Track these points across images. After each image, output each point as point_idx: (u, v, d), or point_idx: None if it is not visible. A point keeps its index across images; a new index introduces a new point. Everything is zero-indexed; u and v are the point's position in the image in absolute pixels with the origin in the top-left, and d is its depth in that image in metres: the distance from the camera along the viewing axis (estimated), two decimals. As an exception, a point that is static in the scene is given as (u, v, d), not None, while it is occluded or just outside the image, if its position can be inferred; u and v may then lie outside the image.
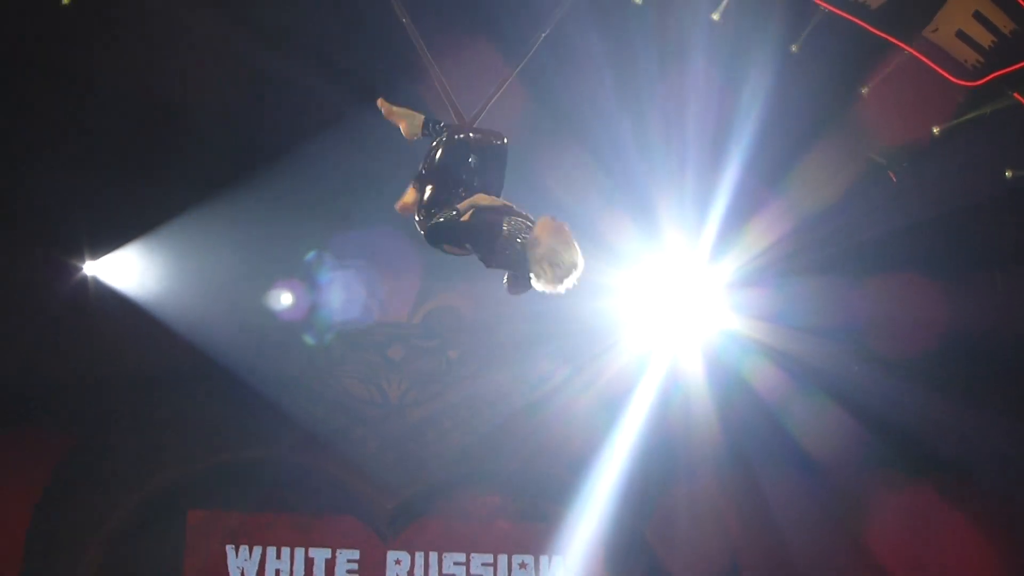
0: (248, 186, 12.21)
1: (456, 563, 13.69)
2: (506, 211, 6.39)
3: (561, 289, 6.15)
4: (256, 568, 13.50)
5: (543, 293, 6.15)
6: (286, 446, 13.48)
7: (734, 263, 13.00)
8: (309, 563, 13.59)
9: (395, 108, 7.39)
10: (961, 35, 11.96)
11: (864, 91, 12.32)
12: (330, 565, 13.58)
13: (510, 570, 13.70)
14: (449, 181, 6.69)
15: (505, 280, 6.52)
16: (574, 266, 6.16)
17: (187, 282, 12.88)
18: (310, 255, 13.12)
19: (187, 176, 12.22)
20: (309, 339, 13.31)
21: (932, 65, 12.10)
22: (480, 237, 6.34)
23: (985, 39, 11.97)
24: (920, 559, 13.68)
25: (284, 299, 13.27)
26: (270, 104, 11.84)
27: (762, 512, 13.78)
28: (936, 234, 12.73)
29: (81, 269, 12.74)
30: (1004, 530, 13.61)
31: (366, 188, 11.94)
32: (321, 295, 13.39)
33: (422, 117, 7.28)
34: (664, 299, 13.24)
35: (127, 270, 12.86)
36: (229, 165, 12.18)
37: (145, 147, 12.08)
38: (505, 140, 7.00)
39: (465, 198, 6.55)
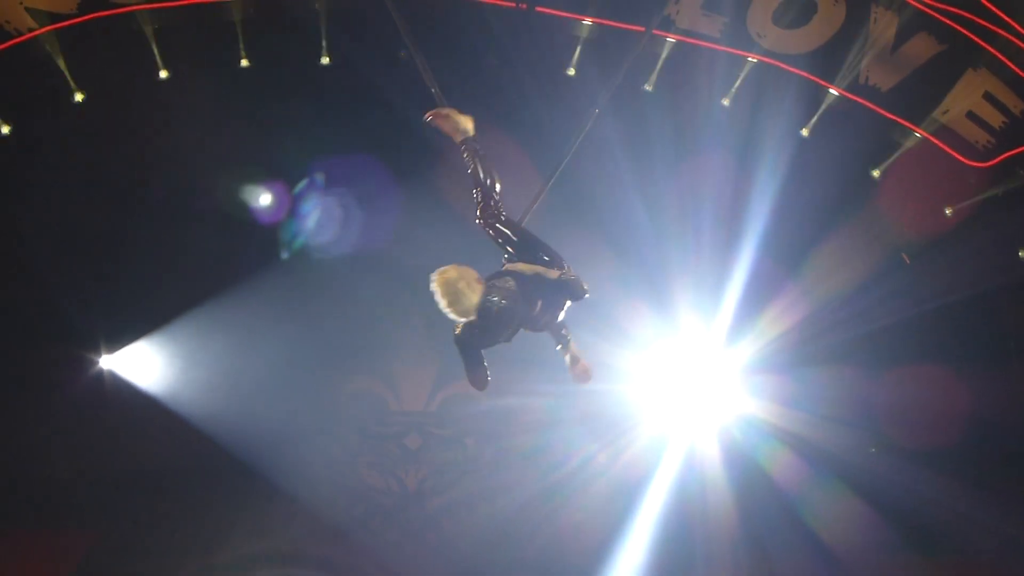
0: (262, 280, 12.43)
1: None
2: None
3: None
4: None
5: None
6: (306, 538, 13.46)
7: (750, 348, 13.05)
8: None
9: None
10: (971, 116, 12.18)
11: (876, 174, 12.49)
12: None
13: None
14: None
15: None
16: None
17: (203, 374, 12.96)
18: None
19: (203, 269, 12.39)
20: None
21: (943, 147, 12.29)
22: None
23: (996, 119, 12.20)
24: None
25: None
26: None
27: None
28: (952, 321, 12.79)
29: (97, 363, 12.83)
30: None
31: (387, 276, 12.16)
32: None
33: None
34: (680, 383, 13.29)
35: (143, 363, 12.95)
36: (244, 259, 12.37)
37: (158, 241, 12.27)
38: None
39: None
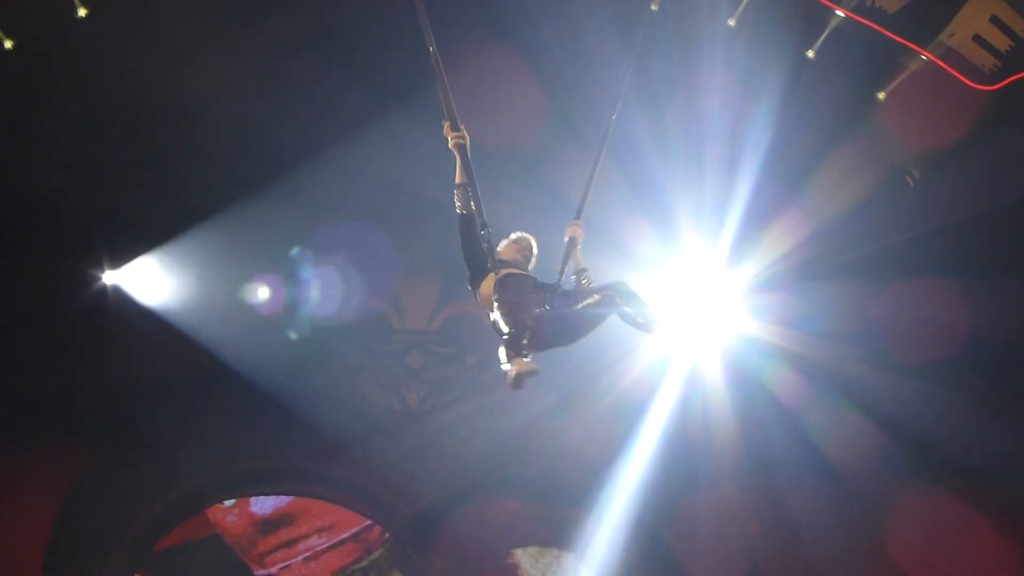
0: (269, 192, 12.47)
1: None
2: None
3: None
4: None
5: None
6: (306, 453, 13.68)
7: (753, 268, 13.13)
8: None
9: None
10: (978, 39, 12.14)
11: (881, 96, 12.53)
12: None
13: (530, 576, 13.87)
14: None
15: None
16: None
17: (206, 290, 13.13)
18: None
19: (208, 183, 12.47)
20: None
21: (949, 70, 12.31)
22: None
23: (1002, 43, 12.15)
24: (939, 565, 13.71)
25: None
26: (291, 111, 11.96)
27: (782, 517, 13.91)
28: (955, 239, 12.81)
29: (100, 279, 12.94)
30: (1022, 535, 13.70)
31: (388, 192, 12.19)
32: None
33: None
34: (683, 304, 13.32)
35: (146, 279, 13.06)
36: (250, 172, 12.41)
37: (165, 155, 12.31)
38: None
39: None
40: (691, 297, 13.34)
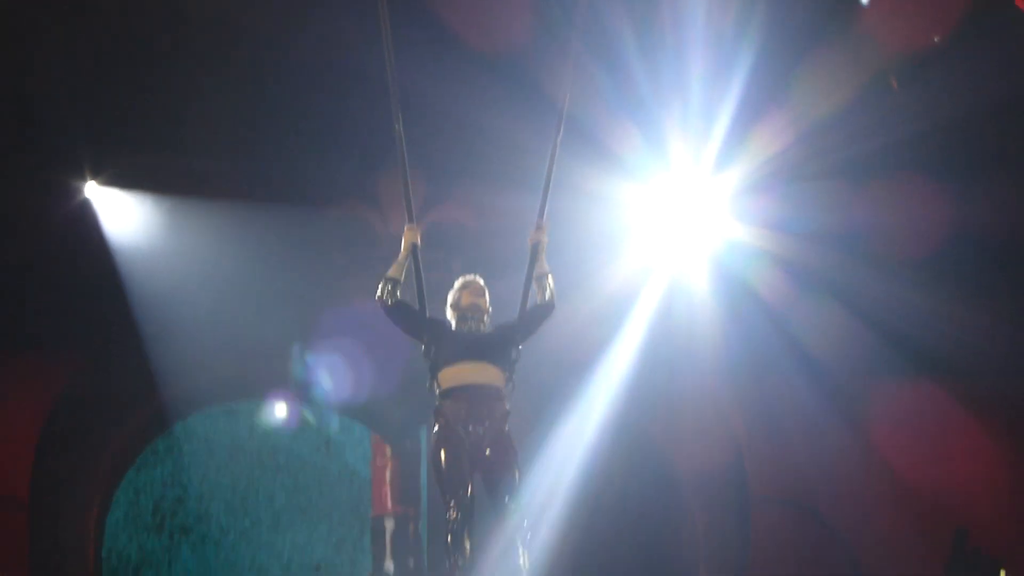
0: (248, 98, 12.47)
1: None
2: None
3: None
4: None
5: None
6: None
7: (739, 173, 13.23)
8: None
9: None
10: None
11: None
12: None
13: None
14: None
15: None
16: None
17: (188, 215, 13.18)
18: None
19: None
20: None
21: None
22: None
23: None
24: (921, 455, 14.05)
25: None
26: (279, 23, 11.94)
27: (766, 411, 14.30)
28: (938, 139, 12.93)
29: (83, 190, 12.88)
30: (1005, 430, 14.07)
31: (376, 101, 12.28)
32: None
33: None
34: (669, 209, 13.50)
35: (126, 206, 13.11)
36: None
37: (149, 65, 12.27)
38: None
39: None
40: (678, 203, 13.43)
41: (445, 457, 7.69)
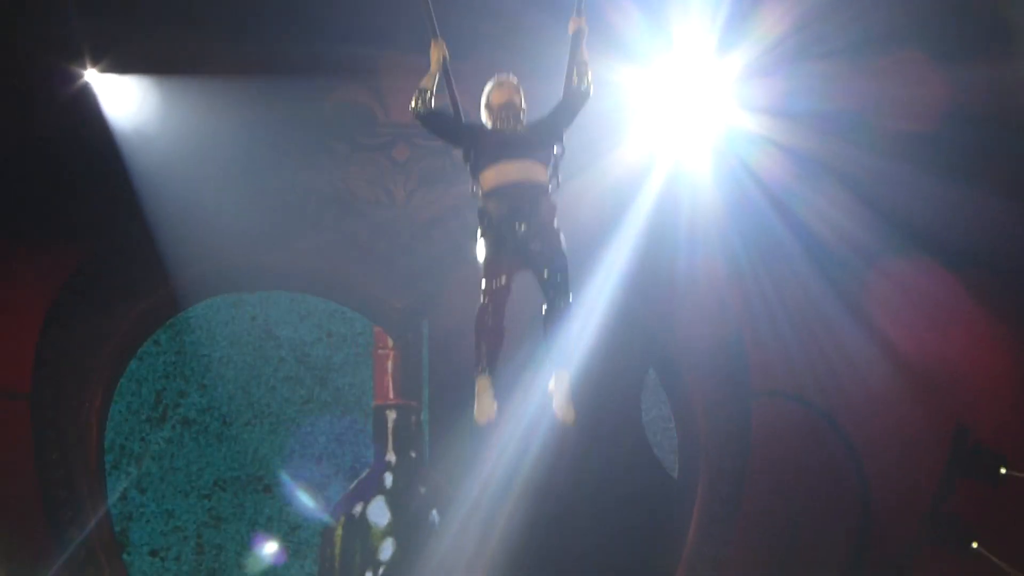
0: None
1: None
2: None
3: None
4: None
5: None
6: (294, 254, 13.89)
7: (741, 55, 13.16)
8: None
9: None
10: None
11: None
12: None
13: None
14: None
15: None
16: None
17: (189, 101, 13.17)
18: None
19: None
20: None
21: None
22: None
23: None
24: (924, 348, 14.05)
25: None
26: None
27: (766, 292, 14.25)
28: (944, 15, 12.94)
29: (83, 76, 12.88)
30: (1011, 314, 14.17)
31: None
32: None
33: None
34: (671, 95, 13.45)
35: (127, 91, 13.11)
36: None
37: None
38: None
39: None
40: (681, 86, 13.37)
41: (486, 251, 7.81)
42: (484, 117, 8.35)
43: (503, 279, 7.73)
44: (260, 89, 13.21)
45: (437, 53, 8.11)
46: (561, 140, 8.19)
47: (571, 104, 8.19)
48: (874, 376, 14.01)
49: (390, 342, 14.26)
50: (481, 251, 7.86)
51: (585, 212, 13.16)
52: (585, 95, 8.17)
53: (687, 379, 14.48)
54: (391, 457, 14.04)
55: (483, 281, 7.77)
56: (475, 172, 8.18)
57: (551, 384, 7.74)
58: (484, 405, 7.68)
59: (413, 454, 14.06)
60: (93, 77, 12.88)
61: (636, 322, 14.31)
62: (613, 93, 12.72)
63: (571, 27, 8.12)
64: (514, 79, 8.43)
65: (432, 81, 8.10)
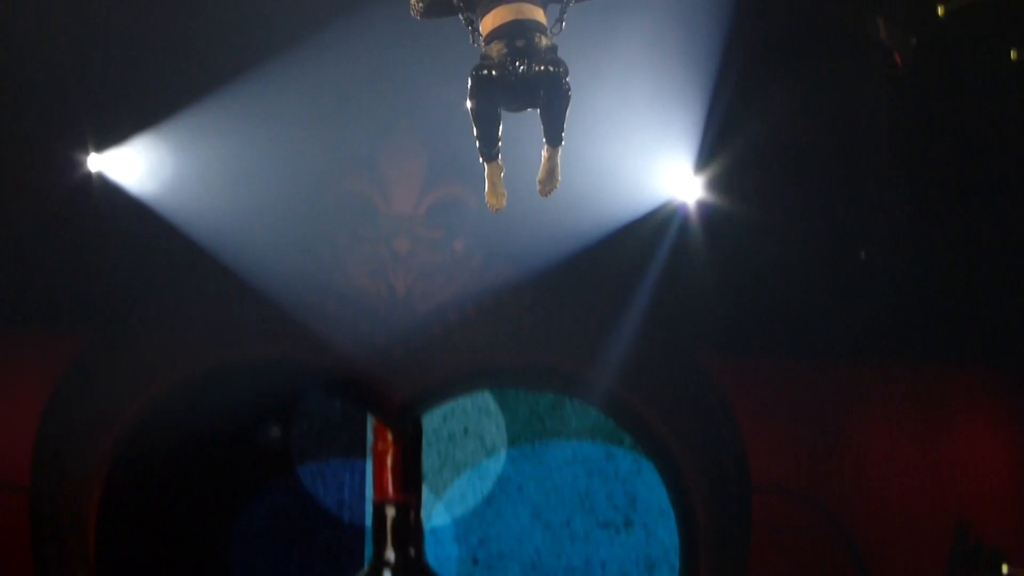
0: (259, 79, 12.73)
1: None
2: None
3: None
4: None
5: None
6: (291, 344, 13.94)
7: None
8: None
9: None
10: None
11: None
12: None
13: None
14: None
15: None
16: None
17: (193, 178, 13.33)
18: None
19: (197, 66, 12.79)
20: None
21: None
22: None
23: None
24: (923, 448, 14.23)
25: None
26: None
27: (768, 391, 14.45)
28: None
29: (85, 163, 13.17)
30: (1011, 412, 14.33)
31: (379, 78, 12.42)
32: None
33: None
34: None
35: (133, 165, 13.29)
36: (240, 56, 12.70)
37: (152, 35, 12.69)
38: None
39: None
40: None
41: (478, 93, 7.35)
42: None
43: (496, 122, 7.34)
44: (264, 175, 13.50)
45: None
46: None
47: None
48: (874, 473, 14.15)
49: (389, 436, 14.32)
50: (472, 95, 7.41)
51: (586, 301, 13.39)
52: None
53: (687, 474, 14.53)
54: (390, 554, 14.02)
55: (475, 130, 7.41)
56: (475, 24, 7.81)
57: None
58: (494, 192, 7.54)
59: (412, 552, 14.03)
60: (95, 163, 13.23)
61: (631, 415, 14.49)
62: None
63: None
64: None
65: None
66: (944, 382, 14.26)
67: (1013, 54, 12.70)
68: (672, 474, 14.70)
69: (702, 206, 13.77)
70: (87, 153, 13.17)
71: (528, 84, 7.28)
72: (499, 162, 7.36)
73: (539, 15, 7.64)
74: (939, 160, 13.77)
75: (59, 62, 12.58)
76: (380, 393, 14.20)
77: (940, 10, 12.73)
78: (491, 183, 7.55)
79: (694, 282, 13.81)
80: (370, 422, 15.23)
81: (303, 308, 13.79)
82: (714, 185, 13.61)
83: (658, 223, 13.79)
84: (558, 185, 7.46)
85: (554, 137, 7.43)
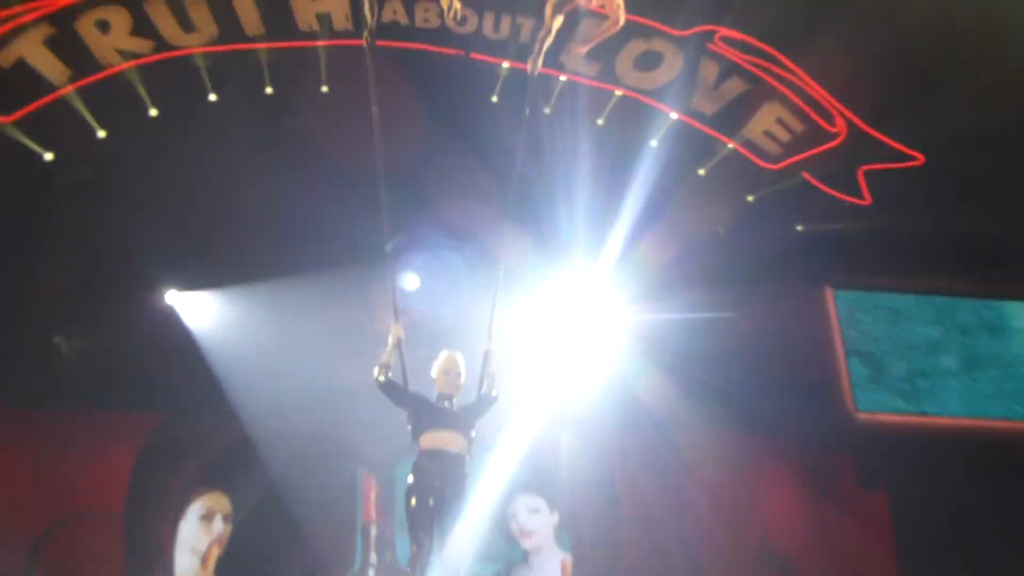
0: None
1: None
2: None
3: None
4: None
5: None
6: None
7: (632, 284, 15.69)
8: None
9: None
10: (767, 134, 15.87)
11: (702, 172, 16.22)
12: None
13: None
14: None
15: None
16: None
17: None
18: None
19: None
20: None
21: (747, 154, 16.05)
22: None
23: (784, 136, 15.89)
24: (739, 485, 16.16)
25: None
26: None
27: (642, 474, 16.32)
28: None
29: (163, 299, 15.56)
30: (796, 461, 16.29)
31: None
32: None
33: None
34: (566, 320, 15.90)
35: (204, 311, 15.61)
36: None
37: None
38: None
39: None
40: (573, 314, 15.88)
41: (416, 503, 9.00)
42: (434, 371, 9.60)
43: (429, 532, 8.82)
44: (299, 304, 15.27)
45: (395, 335, 9.50)
46: (475, 426, 9.39)
47: (484, 405, 9.49)
48: (711, 520, 16.05)
49: (373, 481, 16.65)
50: (411, 504, 8.97)
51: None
52: (494, 400, 9.48)
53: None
54: (373, 557, 15.98)
55: (412, 532, 8.85)
56: (415, 433, 9.32)
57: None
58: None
59: (388, 557, 16.06)
60: (171, 298, 15.56)
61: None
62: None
63: (481, 351, 9.63)
64: (459, 360, 9.65)
65: (389, 357, 9.36)
66: (752, 445, 16.06)
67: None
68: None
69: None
70: (167, 290, 15.52)
71: (444, 503, 8.95)
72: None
73: (465, 448, 9.25)
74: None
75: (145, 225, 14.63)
76: (368, 451, 16.19)
77: None
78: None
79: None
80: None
81: (324, 398, 15.10)
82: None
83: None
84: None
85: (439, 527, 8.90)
